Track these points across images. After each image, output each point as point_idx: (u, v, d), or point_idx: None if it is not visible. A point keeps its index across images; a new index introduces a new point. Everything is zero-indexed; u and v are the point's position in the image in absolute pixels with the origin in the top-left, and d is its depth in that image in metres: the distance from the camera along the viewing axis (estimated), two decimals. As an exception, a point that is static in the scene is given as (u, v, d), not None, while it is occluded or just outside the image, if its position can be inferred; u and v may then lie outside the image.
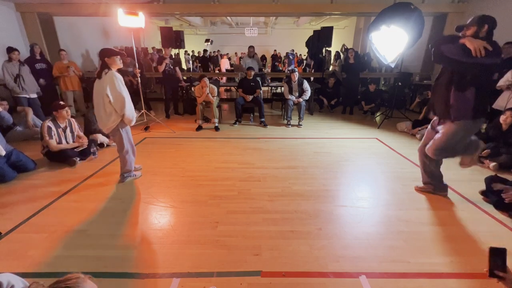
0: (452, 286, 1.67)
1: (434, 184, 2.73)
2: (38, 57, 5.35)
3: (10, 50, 4.61)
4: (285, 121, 5.41)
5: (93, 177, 3.15)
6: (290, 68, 6.09)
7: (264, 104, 5.48)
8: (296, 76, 5.30)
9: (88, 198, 2.69)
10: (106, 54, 2.63)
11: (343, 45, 10.13)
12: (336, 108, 6.56)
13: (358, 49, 9.27)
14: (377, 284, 1.67)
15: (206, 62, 11.81)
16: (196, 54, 13.59)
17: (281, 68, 12.43)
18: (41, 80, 5.24)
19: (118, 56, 2.68)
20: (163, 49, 5.82)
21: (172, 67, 5.66)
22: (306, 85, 5.36)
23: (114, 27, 8.39)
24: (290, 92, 5.37)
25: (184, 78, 6.63)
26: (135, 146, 3.00)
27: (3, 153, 3.03)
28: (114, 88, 2.59)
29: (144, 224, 2.28)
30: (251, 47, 6.75)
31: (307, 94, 5.35)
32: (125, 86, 2.70)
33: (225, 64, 11.74)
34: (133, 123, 2.84)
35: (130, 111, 2.74)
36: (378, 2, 5.63)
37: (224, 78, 9.47)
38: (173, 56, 7.55)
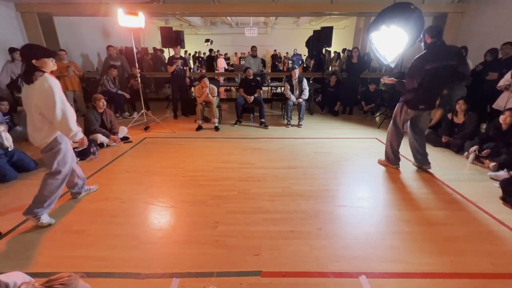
0: (452, 286, 1.67)
1: (418, 159, 3.38)
2: None
3: (12, 50, 4.61)
4: (285, 121, 5.41)
5: (93, 177, 3.15)
6: (291, 66, 6.11)
7: (264, 104, 5.48)
8: (296, 73, 5.31)
9: (88, 198, 2.69)
10: (34, 53, 2.00)
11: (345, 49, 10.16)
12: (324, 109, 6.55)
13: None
14: (377, 284, 1.68)
15: (211, 62, 11.80)
16: (197, 55, 13.57)
17: (281, 68, 12.42)
18: None
19: (52, 58, 2.07)
20: (173, 49, 5.78)
21: (182, 67, 5.66)
22: (305, 83, 5.36)
23: (114, 27, 8.39)
24: (291, 90, 5.37)
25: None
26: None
27: (11, 147, 3.10)
28: (46, 97, 2.00)
29: (144, 224, 2.28)
30: (254, 47, 6.75)
31: (305, 93, 5.35)
32: (62, 93, 2.11)
33: (222, 64, 11.73)
34: (77, 138, 2.19)
35: (73, 123, 2.13)
36: (378, 2, 5.62)
37: (224, 78, 9.46)
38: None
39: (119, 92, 5.77)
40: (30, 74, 2.01)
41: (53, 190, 2.25)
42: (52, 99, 2.00)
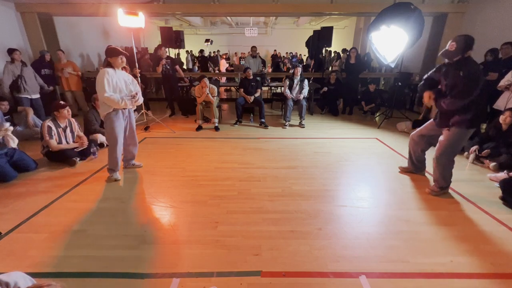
0: (452, 286, 1.67)
1: (416, 166, 3.14)
2: (45, 63, 5.45)
3: (11, 51, 4.61)
4: (284, 122, 5.35)
5: (93, 177, 3.15)
6: (294, 63, 6.05)
7: (264, 104, 5.48)
8: (299, 71, 5.27)
9: (88, 198, 2.69)
10: (108, 53, 2.82)
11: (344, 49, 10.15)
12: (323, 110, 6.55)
13: (358, 49, 9.27)
14: (377, 284, 1.67)
15: (205, 62, 11.79)
16: (196, 54, 13.56)
17: (282, 68, 12.43)
18: (50, 87, 5.41)
19: (120, 56, 2.83)
20: (158, 50, 5.82)
21: (169, 67, 5.67)
22: (306, 83, 5.31)
23: (114, 27, 8.40)
24: (290, 88, 5.33)
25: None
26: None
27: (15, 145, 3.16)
28: (97, 84, 2.75)
29: (144, 224, 2.28)
30: (253, 47, 6.77)
31: (305, 91, 5.28)
32: (111, 82, 2.76)
33: (223, 65, 11.75)
34: (122, 104, 2.82)
35: (110, 99, 2.75)
36: (378, 2, 5.62)
37: (224, 78, 9.47)
38: (175, 57, 7.51)
39: None
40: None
41: (114, 156, 2.97)
42: (99, 87, 2.73)
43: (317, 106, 6.78)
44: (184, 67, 10.90)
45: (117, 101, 2.78)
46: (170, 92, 6.03)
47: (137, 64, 4.96)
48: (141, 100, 3.05)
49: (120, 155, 3.04)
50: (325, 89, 6.44)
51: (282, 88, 6.08)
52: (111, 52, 2.80)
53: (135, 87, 3.03)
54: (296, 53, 14.07)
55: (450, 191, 2.82)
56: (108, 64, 2.82)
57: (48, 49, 5.94)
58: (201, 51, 12.43)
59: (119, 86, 2.84)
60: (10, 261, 1.86)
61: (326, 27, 6.84)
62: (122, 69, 2.94)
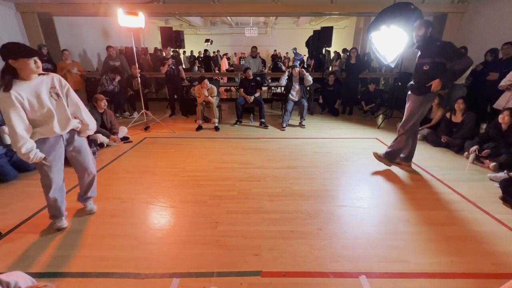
0: (452, 286, 1.67)
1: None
2: (44, 57, 5.42)
3: None
4: (282, 122, 5.24)
5: (93, 177, 3.15)
6: (292, 64, 6.00)
7: (264, 104, 5.47)
8: (297, 71, 5.24)
9: (88, 198, 2.69)
10: (8, 54, 1.69)
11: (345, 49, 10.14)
12: (324, 110, 6.54)
13: (358, 49, 9.26)
14: (377, 284, 1.67)
15: (208, 62, 11.77)
16: (196, 55, 13.54)
17: (283, 69, 12.40)
18: None
19: (34, 58, 1.76)
20: (163, 50, 5.86)
21: (174, 67, 5.68)
22: (308, 75, 5.17)
23: (114, 27, 8.40)
24: (289, 88, 5.25)
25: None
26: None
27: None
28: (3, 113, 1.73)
29: (144, 224, 2.28)
30: (254, 47, 6.77)
31: (309, 79, 5.16)
32: (17, 107, 1.73)
33: (225, 64, 11.76)
34: (29, 160, 1.85)
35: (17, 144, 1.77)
36: (378, 2, 5.62)
37: (225, 78, 9.47)
38: (176, 55, 7.47)
39: (117, 89, 5.80)
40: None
41: (48, 198, 2.14)
42: (6, 120, 1.78)
43: (317, 106, 6.77)
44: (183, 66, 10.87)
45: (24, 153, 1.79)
46: (174, 92, 6.03)
47: (137, 64, 4.97)
48: (88, 131, 2.23)
49: (60, 196, 2.16)
50: (321, 100, 6.45)
51: (283, 88, 6.07)
52: (16, 52, 1.69)
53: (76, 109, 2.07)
54: (296, 50, 13.74)
55: (450, 191, 2.82)
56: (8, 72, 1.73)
57: (49, 49, 5.94)
58: (205, 51, 12.44)
59: (34, 105, 1.82)
60: (10, 261, 1.86)
61: (326, 27, 6.83)
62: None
